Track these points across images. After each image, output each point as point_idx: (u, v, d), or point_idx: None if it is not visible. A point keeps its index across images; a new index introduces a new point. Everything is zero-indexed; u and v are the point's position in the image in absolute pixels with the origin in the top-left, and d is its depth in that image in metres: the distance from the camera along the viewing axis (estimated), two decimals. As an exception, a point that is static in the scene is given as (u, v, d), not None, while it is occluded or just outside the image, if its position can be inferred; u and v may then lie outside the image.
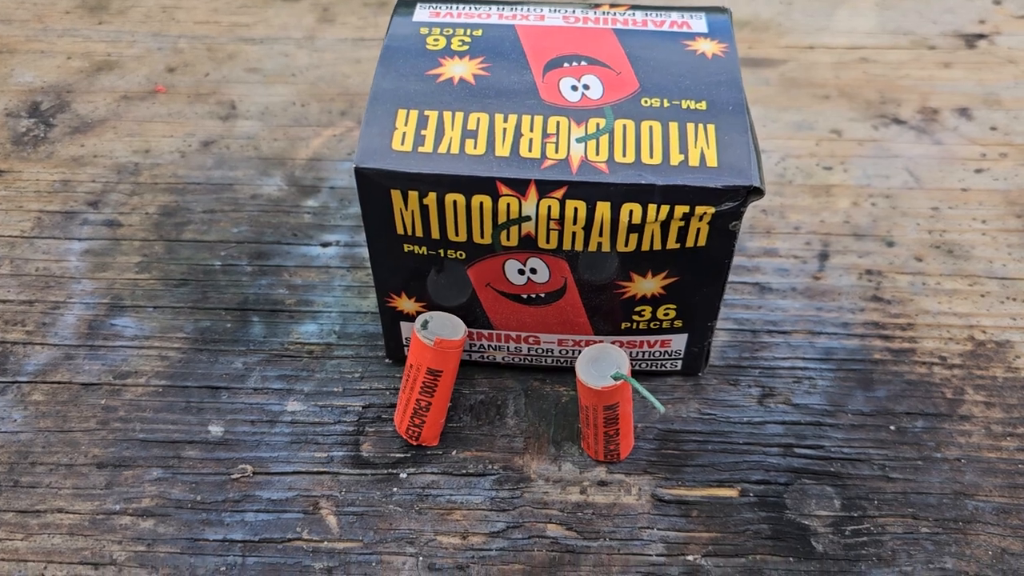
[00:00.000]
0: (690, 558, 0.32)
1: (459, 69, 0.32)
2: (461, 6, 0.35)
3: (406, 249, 0.32)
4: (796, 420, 0.36)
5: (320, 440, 0.36)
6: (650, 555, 0.33)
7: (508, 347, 0.36)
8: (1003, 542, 0.33)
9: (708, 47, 0.33)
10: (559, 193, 0.30)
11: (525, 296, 0.33)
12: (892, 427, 0.36)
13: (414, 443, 0.35)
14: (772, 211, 0.43)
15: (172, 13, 0.56)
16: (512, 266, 0.32)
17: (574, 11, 0.35)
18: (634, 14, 0.34)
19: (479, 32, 0.33)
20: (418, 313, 0.35)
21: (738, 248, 0.42)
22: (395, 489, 0.34)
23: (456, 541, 0.33)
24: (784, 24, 0.53)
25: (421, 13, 0.34)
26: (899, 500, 0.34)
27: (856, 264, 0.41)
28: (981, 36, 0.52)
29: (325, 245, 0.42)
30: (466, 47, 0.33)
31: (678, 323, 0.34)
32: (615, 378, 0.32)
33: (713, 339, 0.37)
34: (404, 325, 0.36)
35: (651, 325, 0.34)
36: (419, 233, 0.31)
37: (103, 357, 0.38)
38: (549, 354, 0.36)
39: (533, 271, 0.32)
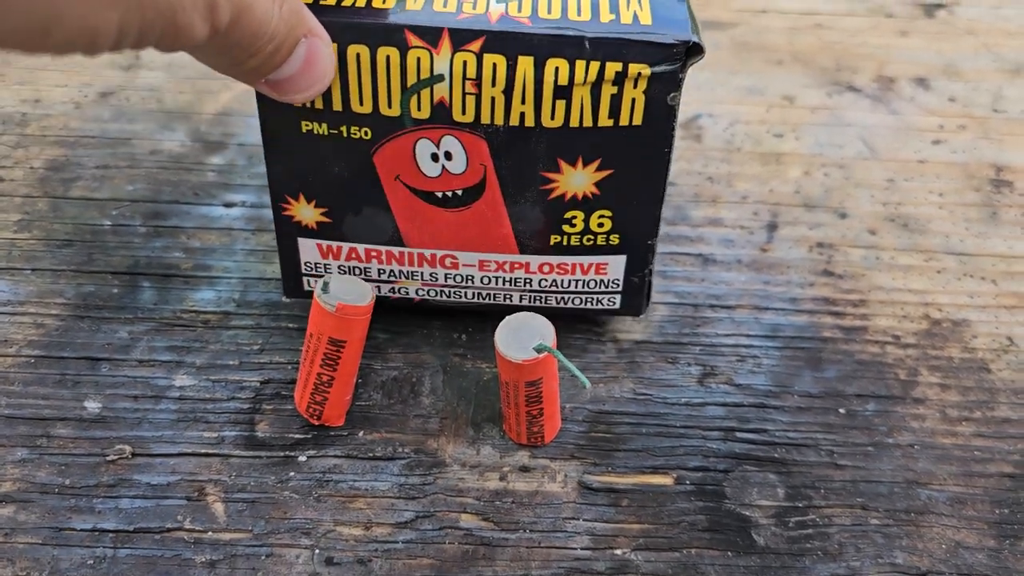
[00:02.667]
0: (618, 552, 0.29)
1: None
2: None
3: (304, 129, 0.28)
4: (738, 402, 0.33)
5: (210, 418, 0.32)
6: (574, 548, 0.29)
7: (423, 273, 0.32)
8: (957, 534, 0.30)
9: None
10: (475, 45, 0.26)
11: (440, 194, 0.30)
12: (841, 410, 0.33)
13: (315, 423, 0.31)
14: (719, 179, 0.40)
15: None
16: (424, 149, 0.28)
17: None
18: None
19: None
20: (319, 225, 0.31)
21: (681, 216, 0.38)
22: (292, 474, 0.31)
23: (358, 532, 0.29)
24: (736, -13, 0.50)
25: None
26: (847, 489, 0.31)
27: (806, 236, 0.38)
28: (940, 6, 0.49)
29: (229, 205, 0.38)
30: None
31: (614, 239, 0.31)
32: (538, 350, 0.28)
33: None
34: (304, 244, 0.32)
35: (584, 240, 0.31)
36: (319, 104, 0.28)
37: (-31, 324, 0.34)
38: (469, 283, 0.32)
39: (448, 156, 0.29)
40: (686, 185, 0.40)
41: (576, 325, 0.35)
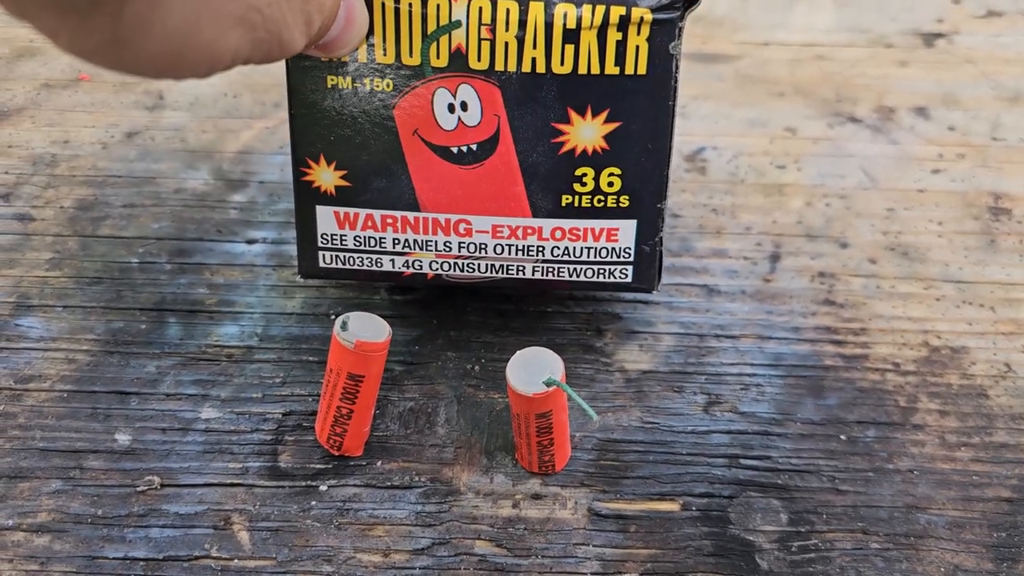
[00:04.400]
0: (627, 577, 0.30)
1: None
2: None
3: (330, 84, 0.31)
4: (743, 429, 0.34)
5: (235, 450, 0.33)
6: (585, 573, 0.30)
7: (438, 243, 0.33)
8: (956, 558, 0.31)
9: None
10: None
11: (455, 150, 0.31)
12: (843, 436, 0.34)
13: (336, 453, 0.33)
14: (723, 210, 0.41)
15: None
16: (442, 99, 0.30)
17: None
18: None
19: None
20: (338, 189, 0.33)
21: (686, 248, 0.40)
22: (314, 503, 0.32)
23: (377, 559, 0.31)
24: (739, 20, 0.51)
25: None
26: (849, 514, 0.32)
27: (808, 266, 0.39)
28: (939, 35, 0.51)
29: (251, 242, 0.40)
30: None
31: (624, 200, 0.32)
32: (547, 384, 0.30)
33: (654, 331, 0.35)
34: (322, 213, 0.33)
35: (595, 201, 0.32)
36: (344, 57, 0.30)
37: (5, 360, 0.35)
38: (483, 254, 0.34)
39: (464, 106, 0.31)
40: (691, 217, 0.41)
41: (584, 356, 0.36)
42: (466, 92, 0.30)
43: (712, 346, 0.36)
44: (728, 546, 0.31)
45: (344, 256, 0.34)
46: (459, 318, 0.37)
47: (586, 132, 0.31)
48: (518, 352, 0.31)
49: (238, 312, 0.37)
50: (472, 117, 0.31)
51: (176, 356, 0.36)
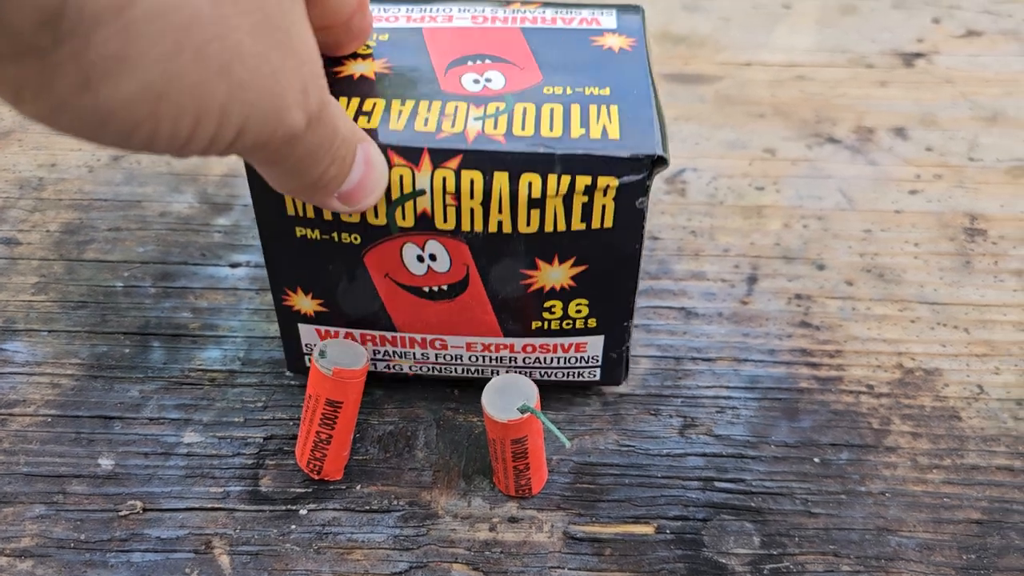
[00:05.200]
0: (601, 600, 0.31)
1: (361, 68, 0.31)
2: (371, 7, 0.33)
3: (299, 234, 0.30)
4: (717, 452, 0.35)
5: (217, 474, 0.34)
6: (559, 597, 0.31)
7: (415, 353, 0.34)
8: (926, 581, 0.31)
9: (616, 42, 0.32)
10: (454, 163, 0.28)
11: (427, 289, 0.31)
12: (816, 459, 0.34)
13: (316, 477, 0.33)
14: (701, 232, 0.42)
15: (90, 21, 0.54)
16: (410, 252, 0.30)
17: (483, 10, 0.33)
18: (544, 11, 0.34)
19: (385, 36, 0.32)
20: (317, 313, 0.33)
21: (664, 271, 0.40)
22: (293, 527, 0.32)
23: (355, 583, 0.31)
24: (721, 40, 0.52)
25: None
26: (820, 537, 0.32)
27: (785, 288, 0.40)
28: (919, 55, 0.51)
29: (234, 266, 0.40)
30: (370, 51, 0.32)
31: (592, 322, 0.33)
32: (522, 411, 0.30)
33: (632, 354, 0.36)
34: (304, 329, 0.34)
35: (563, 324, 0.33)
36: (311, 214, 0.30)
37: (-10, 384, 0.36)
38: (458, 361, 0.34)
39: (433, 257, 0.30)
40: (670, 239, 0.41)
41: (563, 379, 0.37)
42: (434, 246, 0.30)
43: (689, 369, 0.37)
44: (701, 569, 0.31)
45: None
46: (439, 341, 0.38)
47: (554, 275, 0.31)
48: (494, 378, 0.31)
49: (221, 336, 0.38)
50: (441, 265, 0.31)
51: (159, 380, 0.36)
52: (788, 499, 0.33)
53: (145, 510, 0.33)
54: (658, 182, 0.44)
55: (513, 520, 0.33)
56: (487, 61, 0.31)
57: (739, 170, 0.45)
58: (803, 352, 0.38)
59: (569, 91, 0.30)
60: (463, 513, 0.33)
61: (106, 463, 0.34)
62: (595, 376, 0.35)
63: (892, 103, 0.48)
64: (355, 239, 0.30)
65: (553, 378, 0.35)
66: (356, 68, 0.31)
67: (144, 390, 0.36)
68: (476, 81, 0.30)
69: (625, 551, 0.32)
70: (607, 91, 0.30)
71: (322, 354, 0.31)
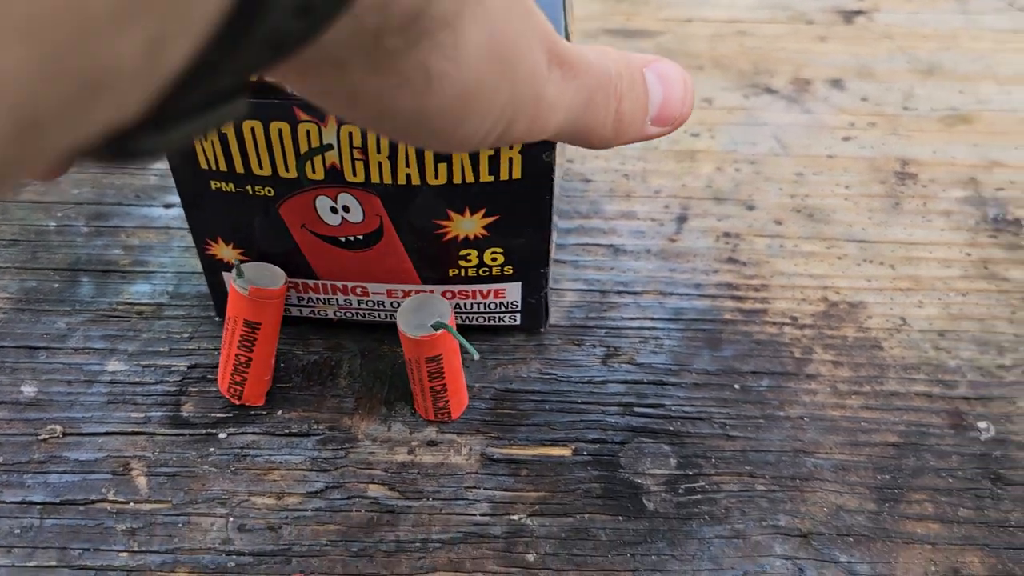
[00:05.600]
0: (515, 517, 0.31)
1: None
2: None
3: (213, 187, 0.30)
4: (639, 379, 0.35)
5: (139, 400, 0.34)
6: (473, 515, 0.31)
7: (337, 299, 0.34)
8: (839, 499, 0.32)
9: None
10: None
11: (343, 239, 0.32)
12: (736, 386, 0.35)
13: (237, 402, 0.33)
14: (634, 175, 0.42)
15: None
16: (323, 203, 0.30)
17: None
18: None
19: None
20: (233, 261, 0.33)
21: (595, 211, 0.40)
22: (212, 449, 0.32)
23: (270, 501, 0.31)
24: (665, -2, 0.52)
25: None
26: (737, 458, 0.33)
27: (714, 227, 0.40)
28: (860, 12, 0.51)
29: (168, 206, 0.40)
30: None
31: (508, 269, 0.33)
32: (435, 327, 0.30)
33: (552, 294, 0.36)
34: (228, 277, 0.34)
35: (480, 272, 0.33)
36: (223, 167, 0.30)
37: (-84, 317, 0.36)
38: (380, 307, 0.35)
39: (346, 209, 0.31)
40: (602, 181, 0.42)
41: (489, 311, 0.37)
42: (346, 199, 0.30)
43: (614, 301, 0.37)
44: (616, 488, 0.32)
45: None
46: (368, 276, 0.38)
47: (466, 225, 0.31)
48: (408, 298, 0.32)
49: (151, 271, 0.38)
50: (355, 216, 0.31)
51: (87, 313, 0.36)
52: (707, 423, 0.34)
53: (65, 434, 0.33)
54: (593, 128, 0.44)
55: (432, 443, 0.33)
56: None
57: (675, 118, 0.45)
58: (729, 286, 0.38)
59: None
60: (382, 437, 0.33)
61: (28, 390, 0.34)
62: (515, 321, 0.35)
63: (830, 57, 0.48)
64: (268, 191, 0.30)
65: (474, 323, 0.35)
66: None
67: (71, 322, 0.36)
68: None
69: (541, 471, 0.32)
70: None
71: (239, 273, 0.32)
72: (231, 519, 0.31)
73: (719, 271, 0.38)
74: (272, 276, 0.32)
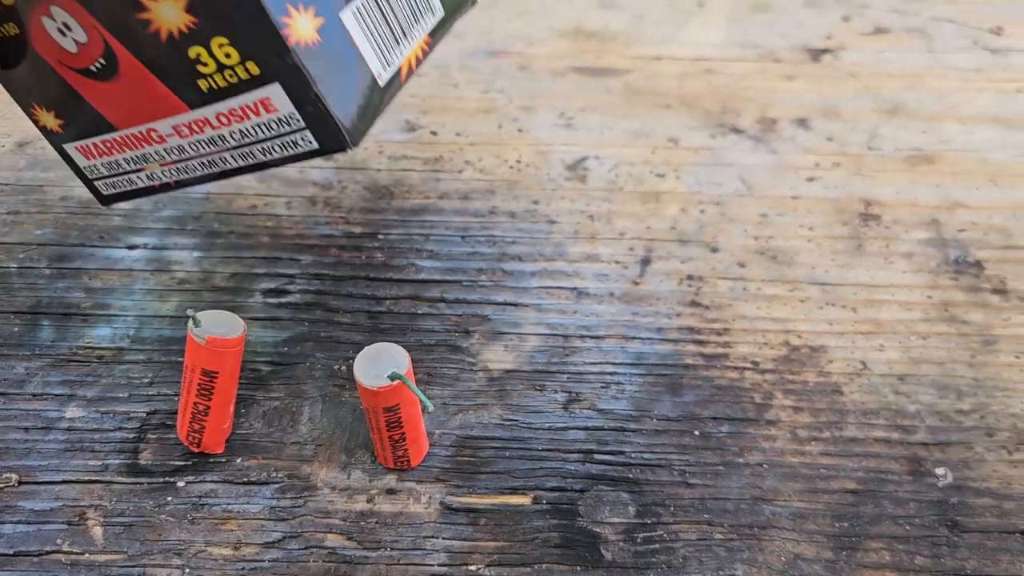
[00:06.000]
0: (472, 567, 0.31)
1: None
2: None
3: None
4: (599, 425, 0.35)
5: (96, 447, 0.34)
6: (431, 565, 0.31)
7: (151, 154, 0.33)
8: (797, 547, 0.32)
9: None
10: None
11: (92, 68, 0.30)
12: (697, 432, 0.35)
13: (195, 450, 0.33)
14: (599, 216, 0.42)
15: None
16: (50, 25, 0.29)
17: None
18: None
19: None
20: (62, 128, 0.33)
21: (559, 252, 0.41)
22: (170, 498, 0.32)
23: (227, 552, 0.31)
24: (633, 36, 0.52)
25: None
26: (696, 506, 0.33)
27: (678, 269, 0.40)
28: (827, 51, 0.52)
29: (132, 248, 0.40)
30: None
31: (252, 67, 0.29)
32: (391, 378, 0.30)
33: (521, 332, 0.36)
34: (70, 150, 0.34)
35: (227, 76, 0.29)
36: None
37: None
38: (187, 153, 0.32)
39: (68, 28, 0.29)
40: (567, 223, 0.42)
41: (450, 356, 0.37)
42: (57, 12, 0.29)
43: (576, 346, 0.37)
44: (575, 538, 0.32)
45: (111, 181, 0.35)
46: (330, 320, 0.38)
47: (166, 11, 0.28)
48: (366, 348, 0.32)
49: (112, 315, 0.38)
50: (80, 35, 0.29)
51: (46, 357, 0.36)
52: (666, 470, 0.34)
53: (20, 483, 0.33)
54: (559, 168, 0.44)
55: (391, 492, 0.33)
56: None
57: (641, 158, 0.45)
58: (691, 330, 0.38)
59: None
60: (341, 485, 0.33)
61: (-15, 438, 0.34)
62: (312, 143, 0.31)
63: (797, 96, 0.49)
64: (12, 29, 0.30)
65: (276, 154, 0.32)
66: None
67: (30, 367, 0.36)
68: None
69: (500, 521, 0.32)
70: None
71: (196, 323, 0.31)
72: (187, 570, 0.31)
73: (682, 314, 0.38)
74: (231, 325, 0.32)
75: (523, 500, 0.33)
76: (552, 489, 0.33)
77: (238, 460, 0.33)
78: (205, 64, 0.29)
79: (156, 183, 0.34)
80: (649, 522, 0.32)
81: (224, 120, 0.31)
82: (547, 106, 0.48)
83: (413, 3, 0.32)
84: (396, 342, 0.36)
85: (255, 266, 0.40)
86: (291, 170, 0.44)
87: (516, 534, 0.32)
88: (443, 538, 0.32)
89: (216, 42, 0.28)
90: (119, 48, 0.30)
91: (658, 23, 0.53)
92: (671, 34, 0.52)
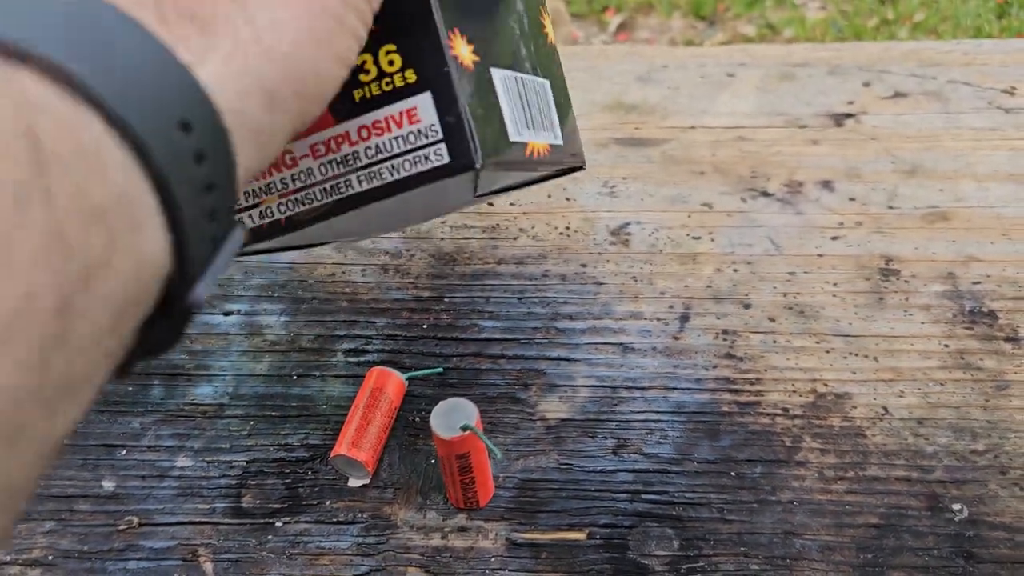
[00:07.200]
0: (536, 596, 0.35)
1: None
2: None
3: None
4: (645, 468, 0.39)
5: (204, 492, 0.39)
6: (500, 594, 0.35)
7: (276, 183, 0.34)
8: (825, 577, 0.35)
9: None
10: None
11: None
12: (733, 473, 0.39)
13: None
14: (641, 278, 0.47)
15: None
16: None
17: None
18: None
19: None
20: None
21: (606, 312, 0.45)
22: (270, 537, 0.37)
23: (321, 584, 0.36)
24: (669, 107, 0.57)
25: None
26: (733, 540, 0.37)
27: (714, 325, 0.44)
28: (849, 115, 0.56)
29: (227, 314, 0.46)
30: None
31: (410, 75, 0.32)
32: (463, 429, 0.35)
33: (573, 385, 0.40)
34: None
35: (384, 85, 0.32)
36: None
37: (11, 419, 0.41)
38: (312, 179, 0.34)
39: None
40: (612, 284, 0.46)
41: (511, 407, 0.41)
42: None
43: (623, 396, 0.42)
44: (625, 569, 0.36)
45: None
46: (403, 376, 0.43)
47: None
48: (441, 402, 0.36)
49: (213, 375, 0.43)
50: None
51: (158, 413, 0.41)
52: (706, 508, 0.38)
53: (141, 525, 0.38)
54: (603, 233, 0.49)
55: (462, 529, 0.37)
56: None
57: (679, 222, 0.50)
58: (726, 380, 0.42)
59: None
60: (419, 524, 0.37)
61: (108, 485, 0.39)
62: (443, 158, 0.32)
63: (821, 159, 0.53)
64: None
65: (403, 172, 0.33)
66: None
67: (144, 422, 0.41)
68: None
69: (560, 554, 0.36)
70: None
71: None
72: (287, 600, 0.35)
73: (718, 366, 0.43)
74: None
75: (579, 535, 0.37)
76: (604, 526, 0.37)
77: (327, 503, 0.38)
78: (367, 72, 0.32)
79: (265, 222, 0.35)
80: (692, 555, 0.36)
81: (364, 134, 0.33)
82: (592, 176, 0.52)
83: (541, 112, 0.37)
84: (463, 395, 0.40)
85: (336, 328, 0.45)
86: (364, 242, 0.49)
87: (574, 566, 0.36)
88: (509, 570, 0.36)
89: (384, 49, 0.32)
90: None
91: (692, 95, 0.58)
92: (704, 105, 0.57)
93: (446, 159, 0.32)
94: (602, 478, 0.39)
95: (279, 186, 0.34)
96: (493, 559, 0.36)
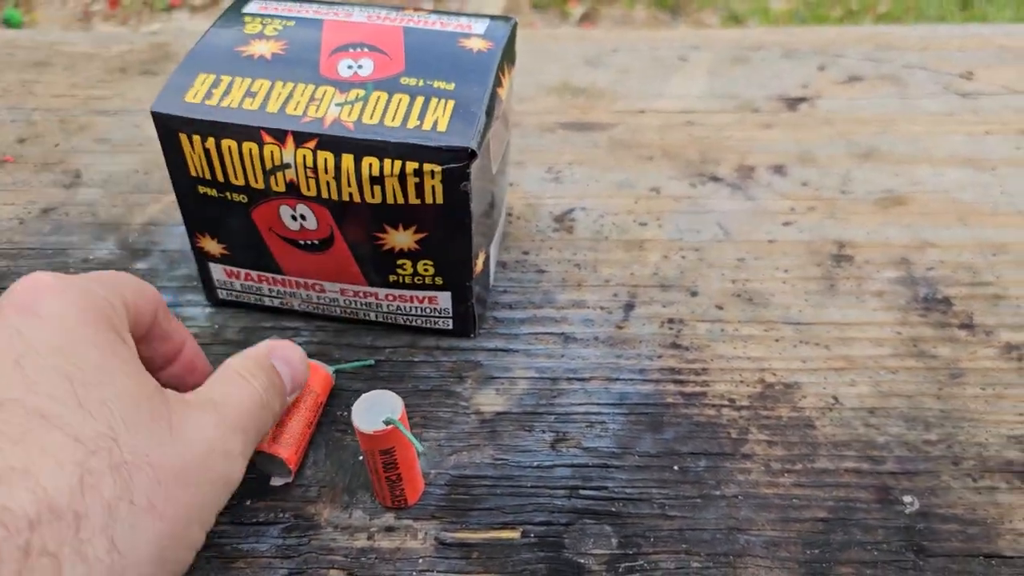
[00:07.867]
0: (465, 599, 0.33)
1: (262, 48, 0.37)
2: (287, 2, 0.40)
3: (200, 191, 0.37)
4: (584, 463, 0.37)
5: (116, 494, 0.36)
6: (427, 597, 0.33)
7: (300, 294, 0.41)
8: (770, 574, 0.34)
9: (477, 44, 0.38)
10: (312, 144, 0.35)
11: (302, 242, 0.38)
12: (676, 467, 0.37)
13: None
14: (585, 265, 0.45)
15: (31, 87, 0.57)
16: (285, 211, 0.37)
17: (379, 11, 0.40)
18: (429, 17, 0.40)
19: (291, 23, 0.39)
20: (222, 255, 0.40)
21: (547, 300, 0.43)
22: (184, 540, 0.35)
23: (237, 589, 0.33)
24: (619, 91, 0.55)
25: (252, 5, 0.40)
26: (674, 537, 0.35)
27: (659, 313, 0.43)
28: (803, 99, 0.55)
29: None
30: (276, 33, 0.38)
31: (438, 280, 0.39)
32: (386, 423, 0.33)
33: (511, 376, 0.39)
34: (214, 268, 0.41)
35: (415, 280, 0.39)
36: (207, 175, 0.36)
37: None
38: (336, 304, 0.41)
39: (303, 217, 0.37)
40: (555, 272, 0.44)
41: (445, 400, 0.39)
42: (303, 209, 0.37)
43: (563, 388, 0.40)
44: (560, 569, 0.34)
45: (236, 294, 0.42)
46: (333, 369, 0.41)
47: (400, 238, 0.37)
48: (363, 395, 0.34)
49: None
50: (311, 224, 0.37)
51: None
52: (647, 504, 0.36)
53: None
54: (547, 220, 0.47)
55: (389, 529, 0.35)
56: (364, 50, 0.37)
57: (625, 208, 0.48)
58: (671, 371, 0.40)
59: (421, 83, 0.36)
60: (343, 524, 0.35)
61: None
62: (448, 326, 0.41)
63: (774, 143, 0.52)
64: (243, 199, 0.37)
65: (415, 324, 0.41)
66: (258, 48, 0.37)
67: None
68: (350, 67, 0.37)
69: (492, 554, 0.34)
70: (451, 86, 0.36)
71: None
72: (200, 607, 0.33)
73: (663, 356, 0.41)
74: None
75: (512, 534, 0.35)
76: (539, 523, 0.35)
77: (247, 502, 0.36)
78: (404, 269, 0.39)
79: (285, 306, 0.42)
80: (630, 552, 0.34)
81: (391, 298, 0.40)
82: (536, 161, 0.50)
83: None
84: (394, 389, 0.38)
85: (262, 320, 0.42)
86: (296, 228, 0.47)
87: (506, 566, 0.34)
88: (438, 571, 0.34)
89: (423, 262, 0.38)
90: (339, 241, 0.38)
91: (642, 78, 0.56)
92: (655, 89, 0.55)
93: (450, 327, 0.41)
94: (539, 474, 0.37)
95: (303, 297, 0.41)
96: (421, 560, 0.34)
